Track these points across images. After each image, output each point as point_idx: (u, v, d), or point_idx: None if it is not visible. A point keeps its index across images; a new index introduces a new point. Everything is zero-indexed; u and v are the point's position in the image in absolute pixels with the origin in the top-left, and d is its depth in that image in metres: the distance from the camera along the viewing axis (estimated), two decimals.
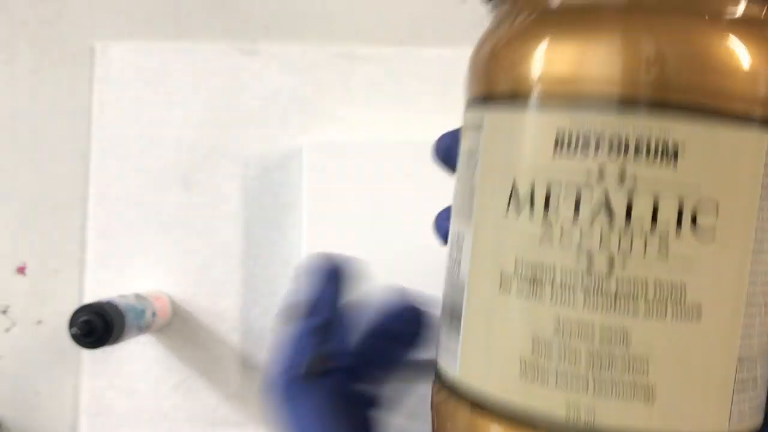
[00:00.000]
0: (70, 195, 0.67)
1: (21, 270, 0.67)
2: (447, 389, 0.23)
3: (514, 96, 0.21)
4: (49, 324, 0.66)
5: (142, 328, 0.60)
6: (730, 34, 0.20)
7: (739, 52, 0.20)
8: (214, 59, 0.67)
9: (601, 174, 0.20)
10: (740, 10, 0.20)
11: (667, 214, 0.20)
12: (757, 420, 0.22)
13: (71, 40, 0.68)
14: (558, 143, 0.20)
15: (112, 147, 0.67)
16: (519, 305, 0.21)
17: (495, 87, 0.22)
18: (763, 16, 0.21)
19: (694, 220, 0.20)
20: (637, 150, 0.20)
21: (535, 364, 0.21)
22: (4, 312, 0.67)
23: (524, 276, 0.21)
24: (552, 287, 0.20)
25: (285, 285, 0.66)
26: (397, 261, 0.52)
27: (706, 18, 0.20)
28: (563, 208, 0.20)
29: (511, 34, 0.22)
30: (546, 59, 0.21)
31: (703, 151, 0.20)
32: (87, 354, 0.65)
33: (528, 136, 0.21)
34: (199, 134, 0.67)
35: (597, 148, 0.20)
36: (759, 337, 0.21)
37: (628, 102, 0.20)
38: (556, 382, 0.20)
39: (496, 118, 0.22)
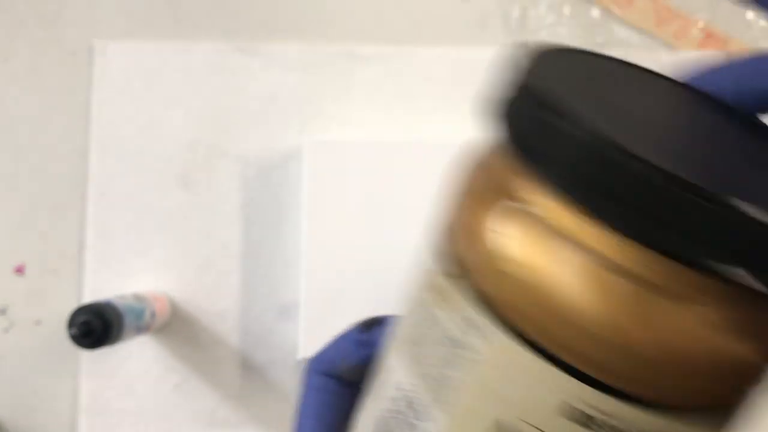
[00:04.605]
0: (68, 195, 0.67)
1: (19, 270, 0.67)
2: None
3: (526, 334, 0.18)
4: (48, 324, 0.66)
5: (141, 329, 0.60)
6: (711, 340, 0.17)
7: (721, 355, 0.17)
8: (214, 59, 0.67)
9: None
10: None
11: None
12: None
13: (70, 39, 0.68)
14: (560, 408, 0.17)
15: (111, 146, 0.67)
16: None
17: (508, 311, 0.18)
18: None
19: None
20: None
21: None
22: (3, 312, 0.67)
23: None
24: None
25: (285, 285, 0.66)
26: (396, 261, 0.52)
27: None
28: None
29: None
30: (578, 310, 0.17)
31: None
32: (86, 354, 0.65)
33: (529, 382, 0.18)
34: (198, 134, 0.67)
35: (601, 428, 0.17)
36: None
37: (650, 401, 0.17)
38: None
39: (499, 344, 0.18)
